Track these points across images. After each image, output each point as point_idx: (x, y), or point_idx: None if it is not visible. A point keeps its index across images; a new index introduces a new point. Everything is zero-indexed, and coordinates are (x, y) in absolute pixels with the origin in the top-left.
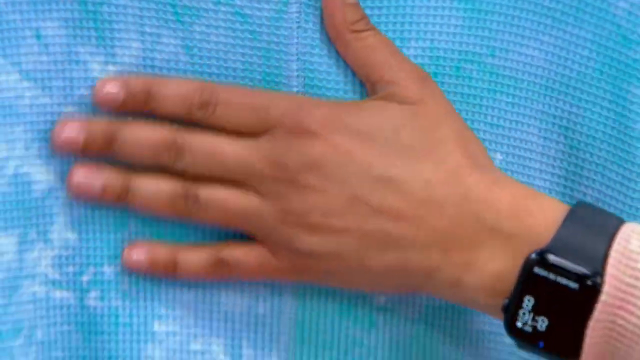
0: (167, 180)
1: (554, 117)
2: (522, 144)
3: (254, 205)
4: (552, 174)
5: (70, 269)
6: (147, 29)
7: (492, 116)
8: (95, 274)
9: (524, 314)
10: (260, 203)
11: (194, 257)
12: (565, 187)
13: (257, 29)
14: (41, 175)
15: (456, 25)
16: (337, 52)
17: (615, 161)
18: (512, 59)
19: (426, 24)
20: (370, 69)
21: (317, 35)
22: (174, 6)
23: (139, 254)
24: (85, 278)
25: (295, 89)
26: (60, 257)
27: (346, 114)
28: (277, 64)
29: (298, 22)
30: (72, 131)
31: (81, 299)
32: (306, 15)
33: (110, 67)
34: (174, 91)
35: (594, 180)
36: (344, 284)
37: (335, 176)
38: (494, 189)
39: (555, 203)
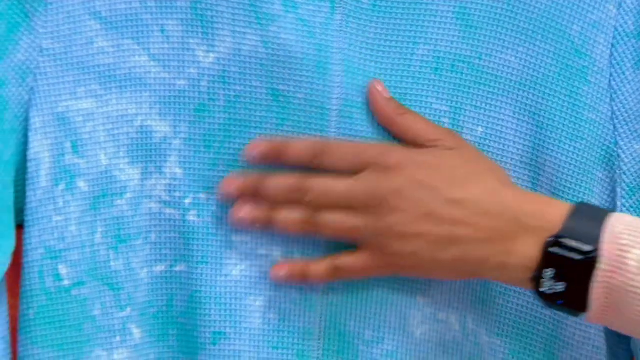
0: (298, 210)
1: (525, 104)
2: (498, 122)
3: (358, 223)
4: (523, 145)
5: (177, 194)
6: (237, 29)
7: (477, 101)
8: (194, 198)
9: (546, 282)
10: (362, 221)
11: (320, 267)
12: (532, 154)
13: (313, 30)
14: (159, 128)
15: (453, 35)
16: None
17: (568, 137)
18: (494, 62)
19: (432, 33)
20: (416, 134)
21: (354, 34)
22: (256, 12)
23: (282, 270)
24: (187, 201)
25: (338, 68)
26: (170, 185)
27: (416, 155)
28: (325, 54)
29: (340, 26)
30: (232, 185)
31: (184, 215)
32: (347, 22)
33: (210, 54)
34: (297, 149)
35: (552, 150)
36: (422, 274)
37: (412, 198)
38: (521, 199)
39: (563, 203)
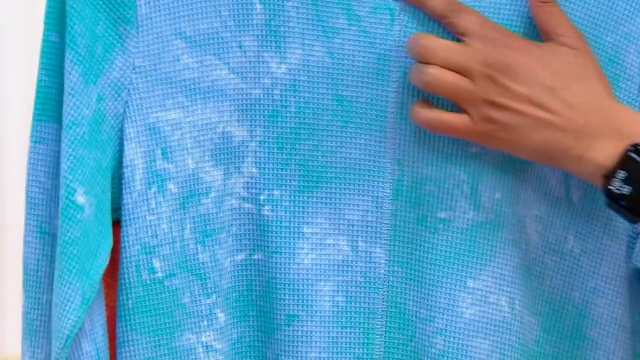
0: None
1: None
2: None
3: (468, 85)
4: None
5: (254, 191)
6: (307, 42)
7: None
8: (269, 195)
9: (617, 182)
10: (472, 85)
11: (432, 114)
12: None
13: (374, 41)
14: (238, 133)
15: None
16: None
17: None
18: None
19: None
20: (550, 25)
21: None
22: (323, 27)
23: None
24: (262, 197)
25: (396, 75)
26: (248, 183)
27: (536, 47)
28: (385, 62)
29: (399, 36)
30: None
31: (260, 210)
32: (405, 33)
33: (283, 65)
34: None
35: None
36: (511, 149)
37: (522, 78)
38: (619, 108)
39: None
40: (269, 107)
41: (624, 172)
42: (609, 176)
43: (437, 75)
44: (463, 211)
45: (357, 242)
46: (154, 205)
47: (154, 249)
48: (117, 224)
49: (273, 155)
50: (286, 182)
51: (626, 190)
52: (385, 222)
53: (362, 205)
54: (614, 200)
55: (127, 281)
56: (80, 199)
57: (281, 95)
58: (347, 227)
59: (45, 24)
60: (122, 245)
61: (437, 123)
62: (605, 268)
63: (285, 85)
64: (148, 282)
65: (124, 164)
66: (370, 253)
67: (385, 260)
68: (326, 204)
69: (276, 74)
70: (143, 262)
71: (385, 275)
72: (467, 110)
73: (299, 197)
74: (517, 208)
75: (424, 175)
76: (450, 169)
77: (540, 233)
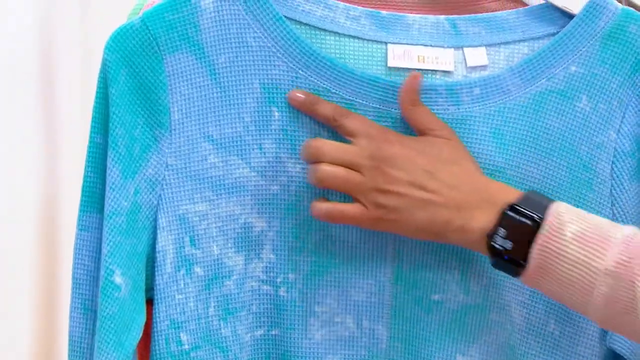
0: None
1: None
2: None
3: (356, 177)
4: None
5: (271, 274)
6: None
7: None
8: (284, 278)
9: (498, 239)
10: (359, 176)
11: (327, 205)
12: None
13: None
14: (257, 223)
15: (491, 150)
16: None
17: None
18: (521, 172)
19: (475, 147)
20: (423, 123)
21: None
22: (328, 130)
23: (316, 207)
24: (278, 279)
25: None
26: (266, 267)
27: (412, 139)
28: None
29: None
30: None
31: (276, 291)
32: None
33: (297, 165)
34: (324, 107)
35: None
36: (399, 229)
37: (401, 166)
38: (489, 181)
39: (517, 191)
40: (285, 201)
41: (503, 229)
42: (491, 235)
43: (328, 170)
44: (454, 294)
45: (361, 320)
46: (182, 286)
47: (182, 324)
48: (149, 301)
49: (288, 243)
50: (300, 266)
51: (507, 244)
52: (386, 302)
53: (366, 288)
54: (499, 257)
55: (158, 352)
56: (118, 279)
57: (296, 191)
58: (353, 306)
59: (91, 126)
60: (154, 320)
61: (335, 213)
62: (581, 348)
63: (300, 182)
64: (176, 353)
65: (157, 249)
66: (373, 330)
67: (386, 337)
68: (334, 286)
69: (291, 172)
70: (172, 335)
71: (386, 349)
72: (358, 199)
73: (311, 280)
74: (503, 293)
75: (420, 262)
76: (442, 257)
77: (524, 316)
